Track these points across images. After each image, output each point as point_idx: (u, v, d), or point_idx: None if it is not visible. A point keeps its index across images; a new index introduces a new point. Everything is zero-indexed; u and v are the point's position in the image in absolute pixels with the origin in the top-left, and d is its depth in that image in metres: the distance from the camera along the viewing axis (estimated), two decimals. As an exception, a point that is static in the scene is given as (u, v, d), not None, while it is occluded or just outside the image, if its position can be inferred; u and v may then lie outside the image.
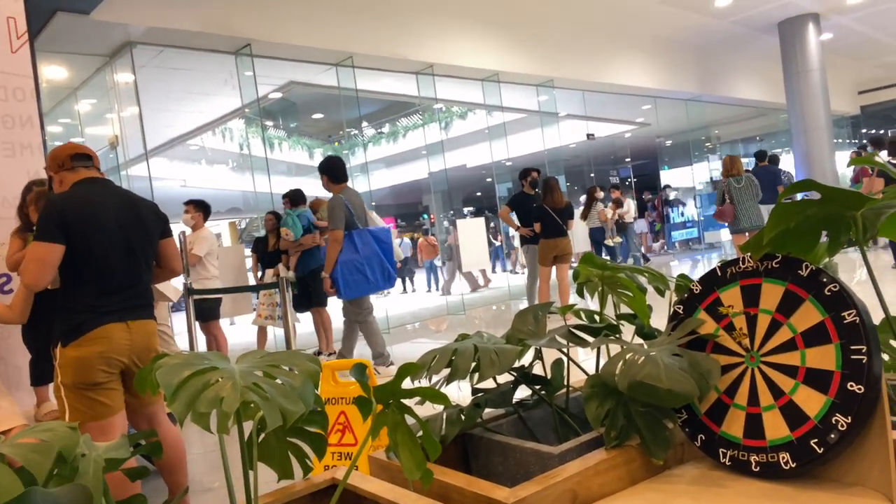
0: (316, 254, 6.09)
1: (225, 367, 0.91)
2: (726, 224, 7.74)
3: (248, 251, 7.10)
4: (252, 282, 6.43)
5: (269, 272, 6.25)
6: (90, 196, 2.31)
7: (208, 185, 14.41)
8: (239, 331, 10.10)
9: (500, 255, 17.01)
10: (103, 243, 2.27)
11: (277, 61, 7.56)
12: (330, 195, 4.95)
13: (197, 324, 4.94)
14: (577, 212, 9.04)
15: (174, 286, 4.15)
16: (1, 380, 3.11)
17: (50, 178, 2.45)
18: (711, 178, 17.33)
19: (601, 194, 10.84)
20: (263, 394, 0.87)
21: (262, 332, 6.24)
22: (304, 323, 6.67)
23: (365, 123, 11.26)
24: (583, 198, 13.45)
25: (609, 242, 10.97)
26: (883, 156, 7.75)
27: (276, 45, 7.03)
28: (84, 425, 2.16)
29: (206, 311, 5.29)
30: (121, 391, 2.31)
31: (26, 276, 2.20)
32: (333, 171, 4.91)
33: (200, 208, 5.49)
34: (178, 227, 4.92)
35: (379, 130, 15.18)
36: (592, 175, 18.42)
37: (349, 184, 5.01)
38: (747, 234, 7.20)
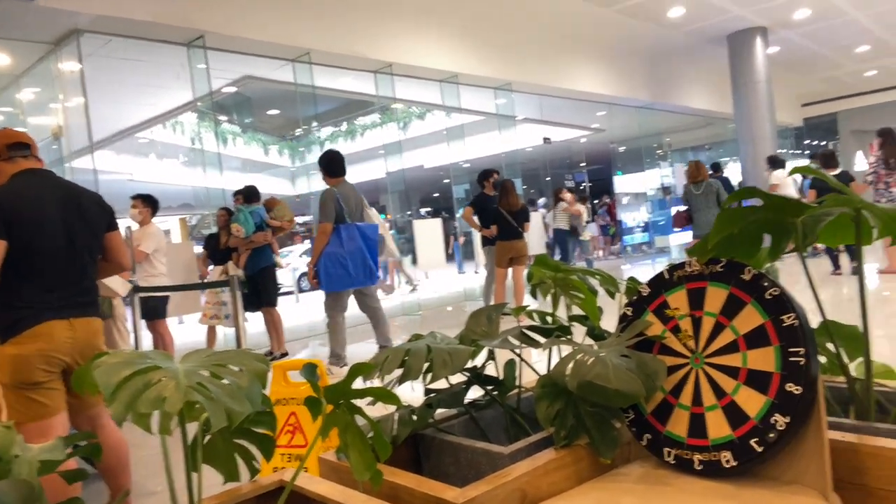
0: (266, 252, 5.99)
1: (168, 366, 0.89)
2: (687, 228, 7.87)
3: (199, 248, 6.93)
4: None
5: (217, 270, 6.11)
6: (30, 189, 2.22)
7: (157, 180, 14.02)
8: (188, 330, 9.87)
9: (456, 256, 17.06)
10: (44, 237, 2.18)
11: (232, 55, 7.40)
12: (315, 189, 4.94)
13: (143, 322, 4.79)
14: (534, 215, 9.14)
15: (122, 281, 4.02)
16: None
17: None
18: (662, 185, 17.77)
19: (567, 195, 10.98)
20: (208, 394, 0.85)
21: (211, 332, 6.10)
22: (255, 323, 6.56)
23: (315, 124, 11.11)
24: (542, 200, 13.58)
25: (586, 236, 11.12)
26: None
27: (230, 38, 6.89)
28: (22, 426, 2.07)
29: (152, 309, 5.13)
30: (62, 391, 2.23)
31: None
32: (330, 165, 4.93)
33: (148, 203, 5.32)
34: (125, 223, 4.76)
35: (336, 128, 15.04)
36: (548, 179, 18.66)
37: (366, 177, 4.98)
38: None
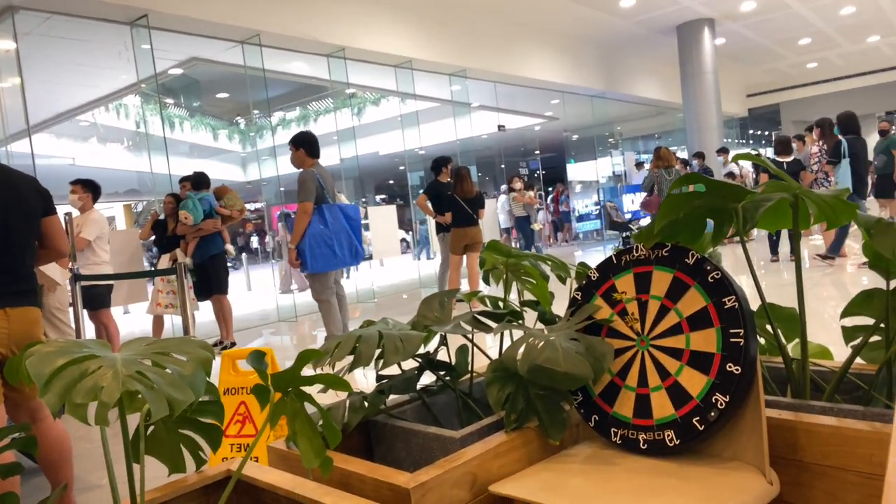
0: (216, 240, 5.84)
1: (105, 354, 0.86)
2: (649, 214, 7.99)
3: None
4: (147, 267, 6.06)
5: (165, 257, 5.93)
6: (-41, 172, 2.11)
7: (101, 165, 13.51)
8: (134, 320, 9.59)
9: (410, 245, 17.03)
10: None
11: (178, 35, 7.15)
12: (293, 171, 4.85)
13: (85, 312, 4.62)
14: (490, 203, 9.18)
15: (60, 269, 3.86)
16: None
17: None
18: (614, 173, 18.08)
19: (518, 184, 11.10)
20: (148, 383, 0.82)
21: (158, 322, 5.92)
22: (205, 311, 6.41)
23: (257, 112, 10.86)
24: (504, 187, 13.63)
25: (535, 227, 11.29)
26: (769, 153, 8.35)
27: (176, 18, 6.65)
28: (-49, 422, 1.98)
29: (95, 298, 4.95)
30: (-4, 384, 2.13)
31: None
32: (309, 145, 4.83)
33: (89, 189, 5.11)
34: (65, 209, 4.57)
35: (288, 114, 14.75)
36: (503, 166, 18.77)
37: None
38: None
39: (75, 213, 5.03)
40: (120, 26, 6.63)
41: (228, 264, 6.12)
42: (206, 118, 14.78)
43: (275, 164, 10.04)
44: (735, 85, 17.48)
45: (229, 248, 6.12)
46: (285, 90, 12.65)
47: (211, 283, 5.80)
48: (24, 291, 2.21)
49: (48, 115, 10.69)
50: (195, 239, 5.76)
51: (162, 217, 6.18)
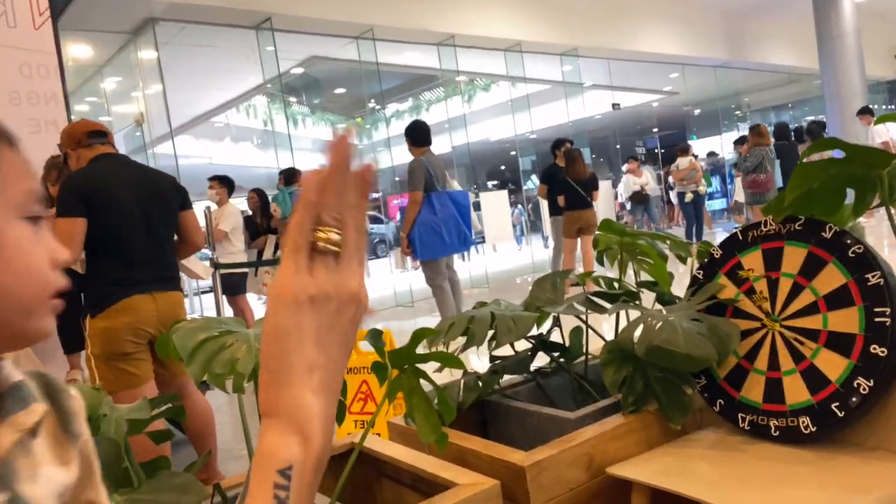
0: None
1: (240, 330, 0.93)
2: (763, 193, 7.60)
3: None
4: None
5: (271, 238, 6.08)
6: (107, 171, 2.36)
7: (234, 162, 14.53)
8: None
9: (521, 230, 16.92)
10: (121, 217, 2.31)
11: (298, 35, 7.53)
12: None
13: (224, 298, 5.00)
14: (603, 184, 8.93)
15: (204, 264, 4.18)
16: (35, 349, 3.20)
17: (65, 154, 2.49)
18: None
19: (687, 158, 10.74)
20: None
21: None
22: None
23: (372, 104, 11.17)
24: (625, 166, 13.18)
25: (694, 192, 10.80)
26: None
27: (296, 19, 7.00)
28: (114, 395, 2.22)
29: (233, 285, 5.36)
30: (149, 361, 2.37)
31: None
32: (415, 134, 4.95)
33: (224, 184, 5.53)
34: (205, 204, 4.96)
35: (402, 105, 15.09)
36: (618, 147, 18.15)
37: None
38: None
39: (213, 207, 5.45)
40: (246, 31, 7.08)
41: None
42: (326, 114, 15.45)
43: (389, 155, 10.32)
44: (880, 45, 15.74)
45: None
46: (398, 82, 12.95)
47: None
48: (168, 278, 2.45)
49: (188, 119, 11.63)
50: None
51: (249, 213, 6.39)
